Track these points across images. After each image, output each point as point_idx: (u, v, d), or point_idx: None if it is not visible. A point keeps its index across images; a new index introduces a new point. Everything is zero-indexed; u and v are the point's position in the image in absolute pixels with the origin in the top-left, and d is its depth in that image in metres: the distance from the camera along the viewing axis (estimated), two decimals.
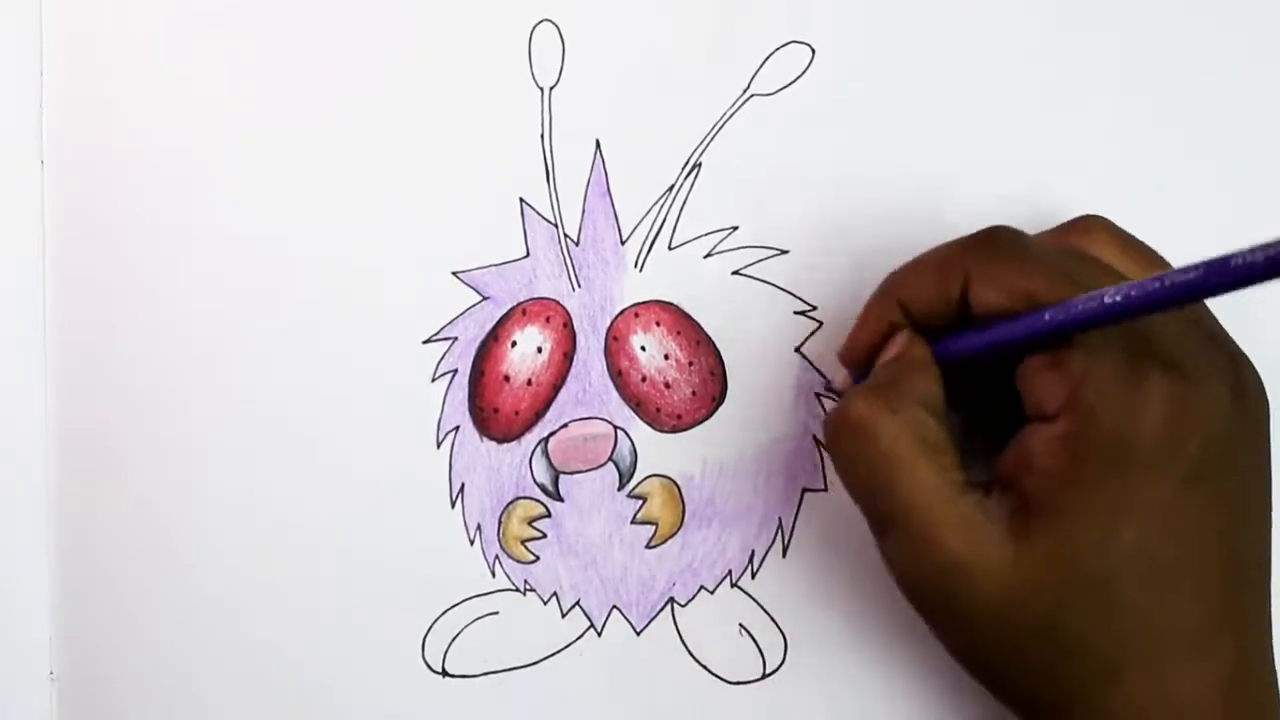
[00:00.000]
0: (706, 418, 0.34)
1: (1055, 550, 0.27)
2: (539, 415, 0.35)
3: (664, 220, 0.34)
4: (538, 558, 0.35)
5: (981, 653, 0.29)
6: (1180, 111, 0.35)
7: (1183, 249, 0.35)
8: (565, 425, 0.35)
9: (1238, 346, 0.29)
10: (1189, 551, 0.27)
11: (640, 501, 0.35)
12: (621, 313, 0.34)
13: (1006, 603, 0.27)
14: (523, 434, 0.35)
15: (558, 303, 0.34)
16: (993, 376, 0.29)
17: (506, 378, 0.34)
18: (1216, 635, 0.27)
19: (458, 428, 0.34)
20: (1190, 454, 0.27)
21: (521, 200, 0.34)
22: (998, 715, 0.30)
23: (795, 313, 0.34)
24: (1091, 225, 0.30)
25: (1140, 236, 0.33)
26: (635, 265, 0.34)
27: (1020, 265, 0.28)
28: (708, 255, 0.34)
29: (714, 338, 0.35)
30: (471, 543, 0.35)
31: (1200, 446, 0.27)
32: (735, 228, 0.34)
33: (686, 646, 0.35)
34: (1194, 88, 0.35)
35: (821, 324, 0.34)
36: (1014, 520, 0.27)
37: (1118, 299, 0.26)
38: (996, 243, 0.29)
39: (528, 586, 0.35)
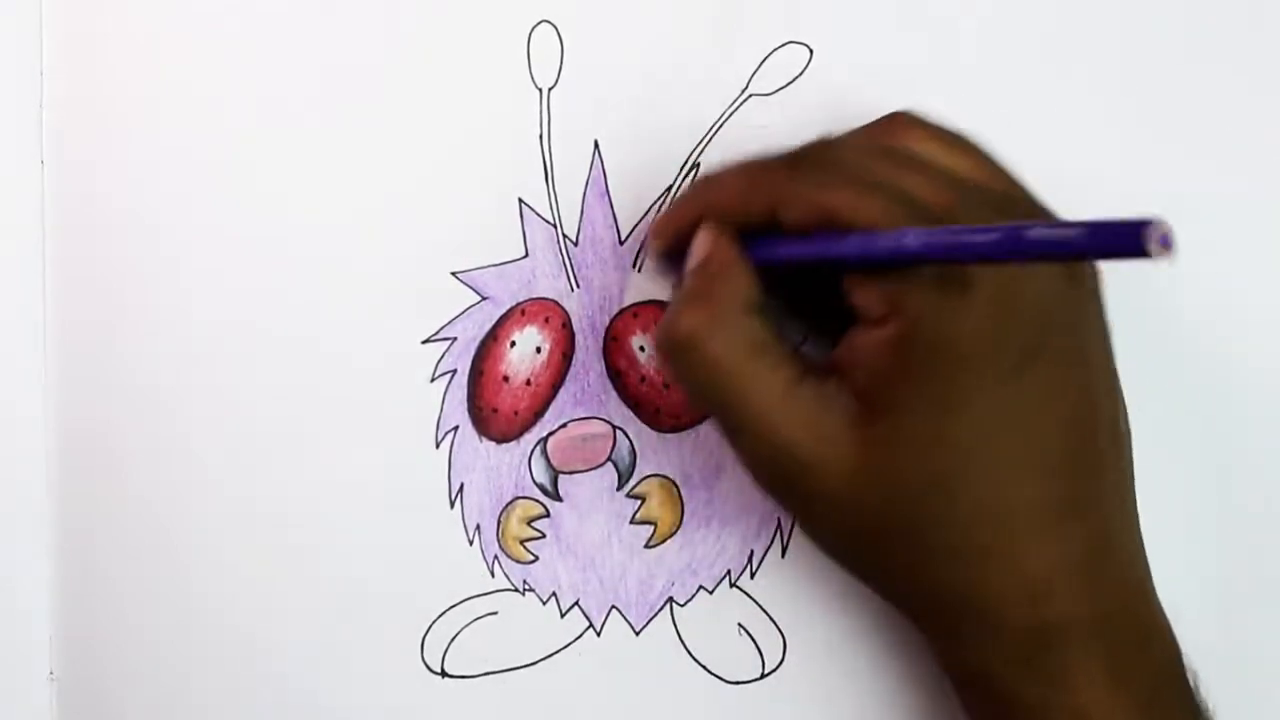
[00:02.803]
0: (705, 418, 0.34)
1: (892, 443, 0.27)
2: (538, 415, 0.35)
3: None
4: (537, 558, 0.35)
5: (848, 550, 0.30)
6: (1181, 112, 0.35)
7: (1183, 249, 0.35)
8: (564, 425, 0.35)
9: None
10: (1026, 438, 0.27)
11: (639, 501, 0.35)
12: (620, 313, 0.34)
13: (855, 495, 0.28)
14: (522, 434, 0.35)
15: (557, 303, 0.34)
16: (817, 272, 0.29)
17: (505, 378, 0.34)
18: (1067, 517, 0.28)
19: (457, 428, 0.34)
20: (1018, 343, 0.27)
21: (520, 201, 0.34)
22: None
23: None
24: (902, 122, 0.30)
25: None
26: (634, 265, 0.34)
27: (824, 182, 0.28)
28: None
29: None
30: (470, 543, 0.35)
31: (1030, 334, 0.27)
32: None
33: (685, 646, 0.35)
34: (1195, 88, 0.35)
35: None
36: (852, 422, 0.28)
37: (916, 245, 0.26)
38: (802, 160, 0.29)
39: (527, 586, 0.35)
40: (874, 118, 0.34)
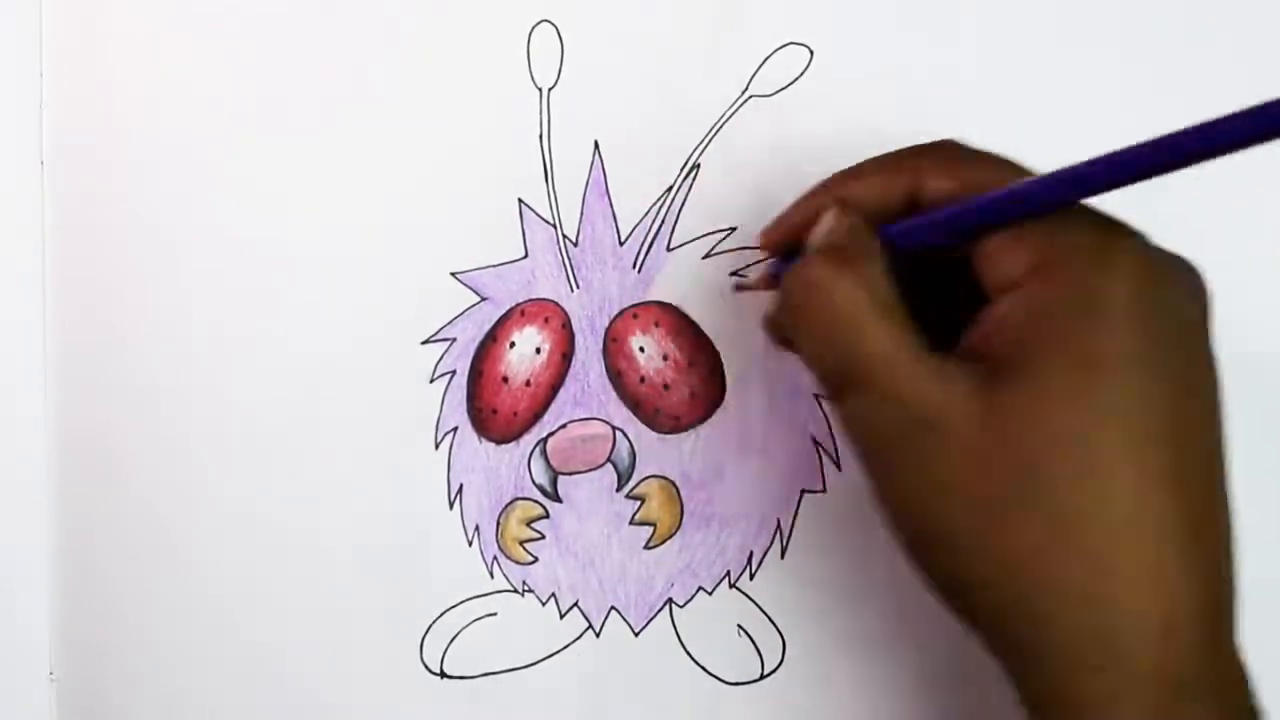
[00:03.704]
0: (705, 419, 0.34)
1: (1027, 407, 0.26)
2: (537, 416, 0.35)
3: (663, 221, 0.34)
4: (536, 559, 0.35)
5: (959, 531, 0.27)
6: (1182, 112, 0.35)
7: (1184, 249, 0.35)
8: (564, 426, 0.35)
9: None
10: (1166, 421, 0.25)
11: (639, 502, 0.35)
12: (620, 314, 0.34)
13: (979, 461, 0.26)
14: (521, 435, 0.35)
15: (556, 304, 0.34)
16: (934, 272, 0.29)
17: (505, 378, 0.34)
18: (1194, 540, 0.25)
19: (456, 428, 0.34)
20: (1170, 326, 0.26)
21: (520, 201, 0.34)
22: (996, 714, 0.30)
23: None
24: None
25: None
26: (634, 266, 0.34)
27: (972, 161, 0.28)
28: (706, 256, 0.34)
29: (713, 339, 0.35)
30: (470, 544, 0.35)
31: (1176, 324, 0.26)
32: (734, 228, 0.34)
33: (685, 647, 0.35)
34: (1195, 88, 0.35)
35: None
36: (982, 384, 0.26)
37: (1080, 172, 0.26)
38: (944, 146, 0.29)
39: (526, 587, 0.35)
40: (873, 119, 0.34)
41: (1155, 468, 0.25)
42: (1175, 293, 0.26)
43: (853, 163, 0.34)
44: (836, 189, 0.29)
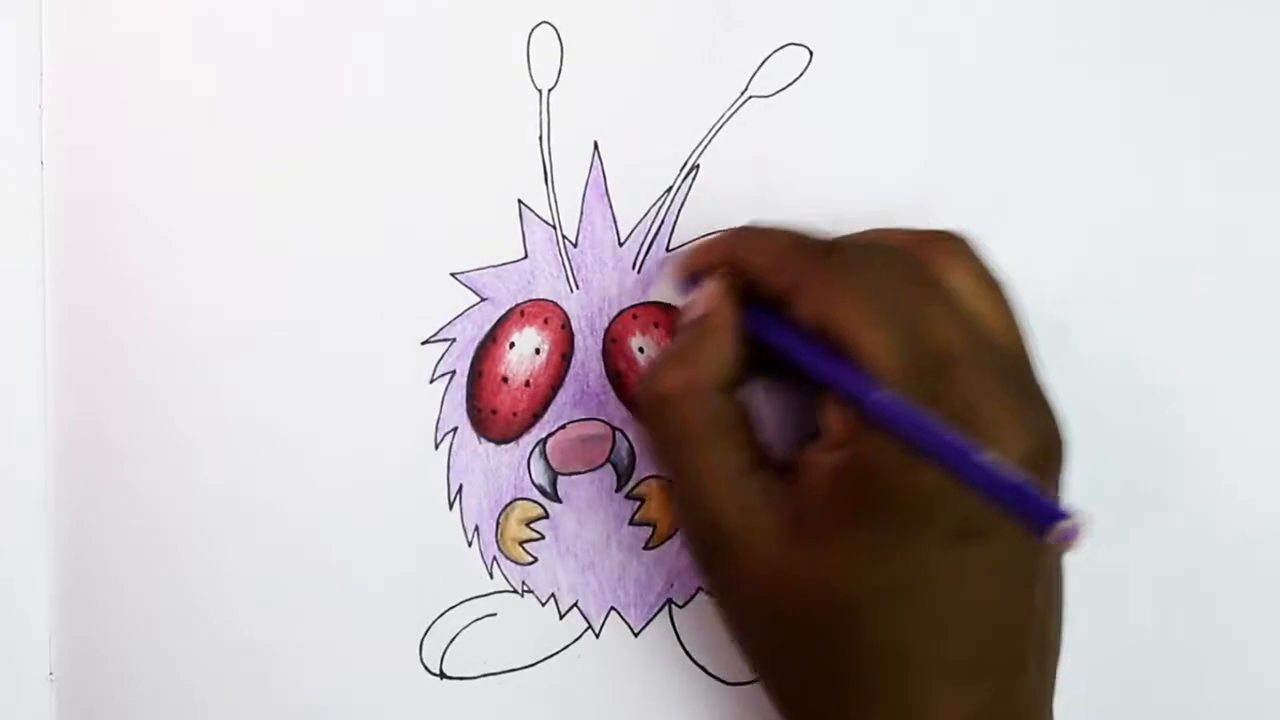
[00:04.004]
0: None
1: (813, 567, 0.28)
2: (537, 417, 0.35)
3: (662, 222, 0.34)
4: (536, 559, 0.35)
5: (755, 645, 0.30)
6: (1181, 112, 0.35)
7: (1183, 249, 0.35)
8: (563, 427, 0.35)
9: (1046, 403, 0.29)
10: (948, 610, 0.27)
11: (638, 503, 0.35)
12: (620, 314, 0.34)
13: (774, 596, 0.28)
14: (521, 435, 0.35)
15: (556, 304, 0.34)
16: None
17: (505, 379, 0.34)
18: (964, 686, 0.27)
19: (456, 429, 0.34)
20: (960, 513, 0.27)
21: (520, 202, 0.34)
22: None
23: None
24: (954, 249, 0.30)
25: (1141, 236, 0.34)
26: (634, 267, 0.34)
27: (845, 292, 0.28)
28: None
29: None
30: (469, 544, 0.35)
31: (984, 513, 0.26)
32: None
33: (684, 647, 0.35)
34: (1195, 89, 0.35)
35: None
36: (791, 514, 0.28)
37: (880, 409, 0.26)
38: (836, 256, 0.29)
39: (526, 588, 0.35)
40: (873, 119, 0.34)
41: (929, 661, 0.27)
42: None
43: (851, 163, 0.34)
44: (738, 251, 0.31)
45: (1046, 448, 0.28)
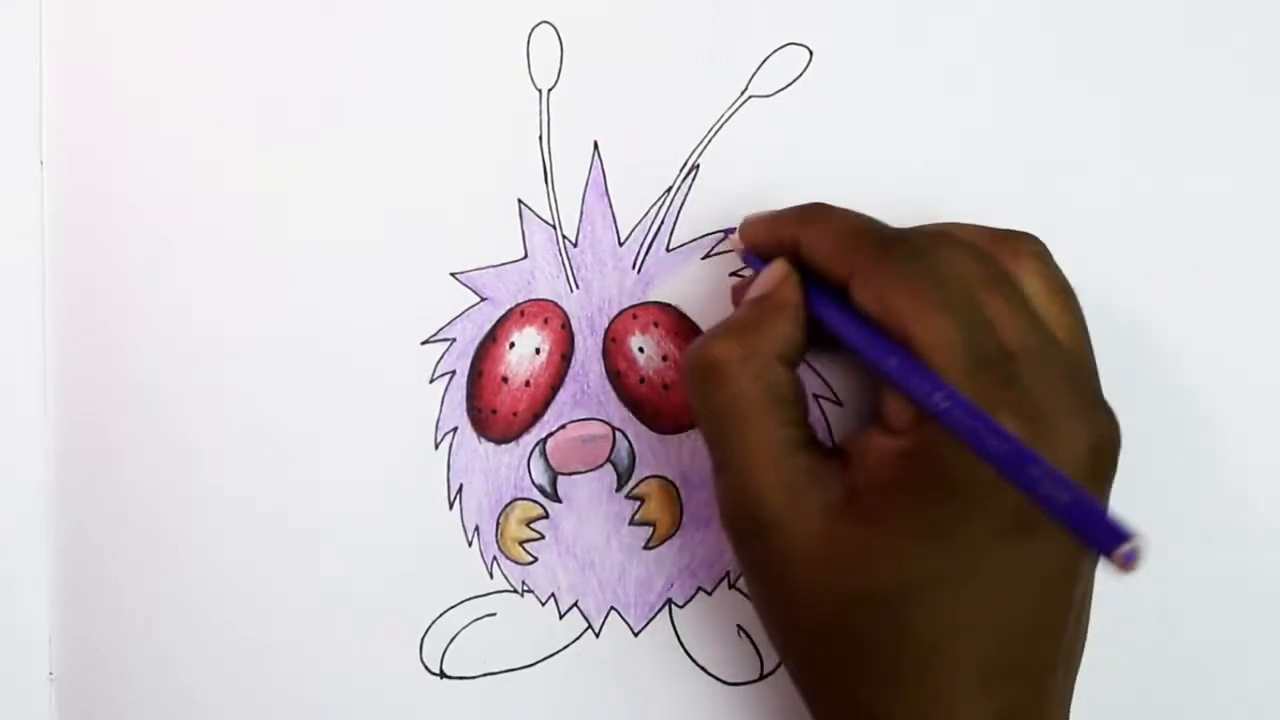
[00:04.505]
0: None
1: (861, 549, 0.27)
2: (537, 416, 0.35)
3: (662, 222, 0.34)
4: (536, 559, 0.35)
5: (786, 628, 0.30)
6: (1181, 112, 0.35)
7: (1182, 250, 0.35)
8: (563, 426, 0.35)
9: (1102, 400, 0.29)
10: (992, 600, 0.27)
11: (638, 503, 0.35)
12: (620, 314, 0.34)
13: (812, 576, 0.28)
14: (521, 435, 0.35)
15: (556, 304, 0.34)
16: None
17: (505, 379, 0.34)
18: (995, 684, 0.27)
19: (456, 429, 0.34)
20: (1016, 507, 0.26)
21: (520, 202, 0.34)
22: None
23: None
24: (1024, 250, 0.29)
25: (1141, 237, 0.34)
26: (633, 267, 0.34)
27: (908, 283, 0.28)
28: (706, 256, 0.34)
29: None
30: (469, 544, 0.35)
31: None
32: (733, 229, 0.34)
33: (684, 647, 0.35)
34: (1194, 89, 0.34)
35: None
36: (832, 505, 0.28)
37: (938, 406, 0.26)
38: (900, 246, 0.28)
39: (525, 588, 0.35)
40: (873, 119, 0.34)
41: (964, 652, 0.27)
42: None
43: (851, 163, 0.34)
44: (802, 234, 0.30)
45: (1106, 449, 0.28)
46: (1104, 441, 0.28)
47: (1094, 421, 0.27)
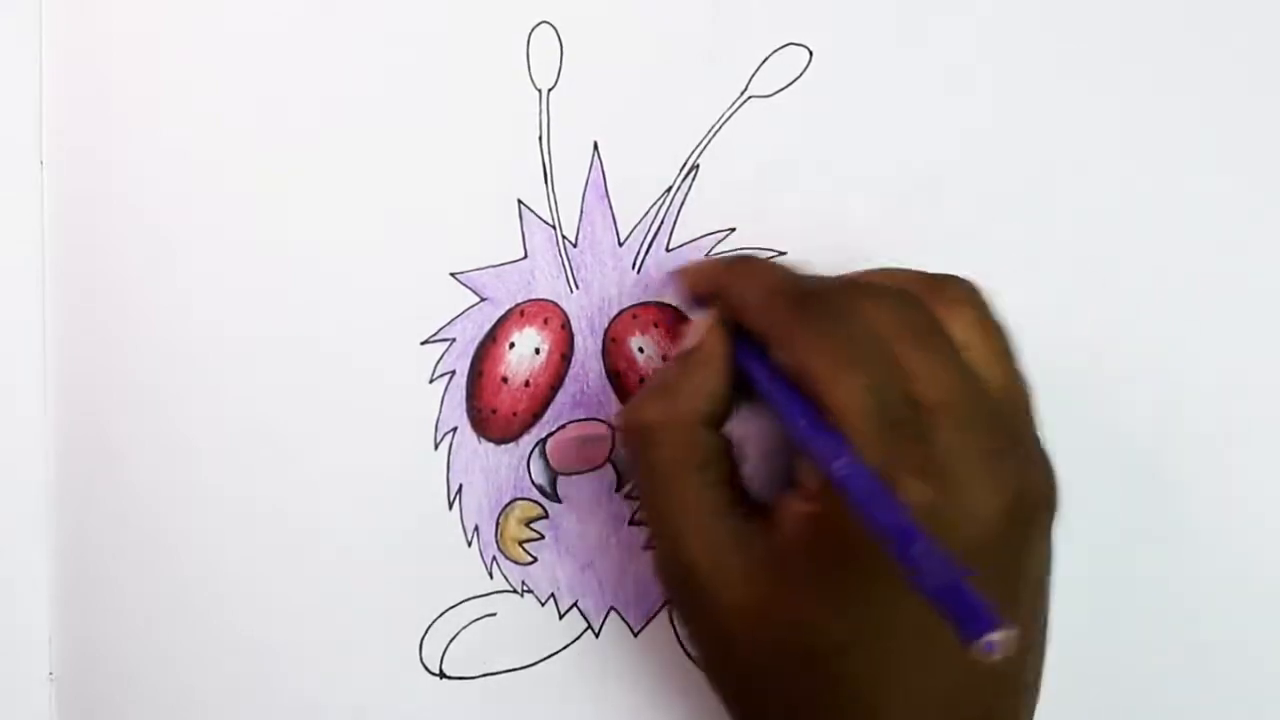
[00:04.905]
0: None
1: (785, 609, 0.27)
2: (537, 417, 0.35)
3: (662, 222, 0.34)
4: (535, 559, 0.35)
5: (722, 679, 0.30)
6: (1181, 112, 0.35)
7: (1180, 251, 0.35)
8: (563, 427, 0.35)
9: (1037, 456, 0.28)
10: (917, 659, 0.27)
11: (638, 502, 0.35)
12: (620, 314, 0.34)
13: (744, 629, 0.28)
14: (521, 435, 0.35)
15: (556, 304, 0.34)
16: None
17: (504, 379, 0.34)
18: None
19: (455, 429, 0.34)
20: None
21: (519, 202, 0.34)
22: None
23: None
24: (955, 295, 0.29)
25: (1140, 237, 0.34)
26: (633, 267, 0.34)
27: (822, 339, 0.27)
28: (706, 256, 0.34)
29: None
30: (469, 544, 0.35)
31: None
32: (733, 229, 0.34)
33: (684, 647, 0.35)
34: (1194, 89, 0.35)
35: None
36: (763, 557, 0.28)
37: (835, 473, 0.26)
38: (817, 301, 0.28)
39: (525, 588, 0.35)
40: (873, 119, 0.34)
41: (900, 707, 0.27)
42: (972, 540, 0.26)
43: (850, 163, 0.34)
44: (735, 284, 0.30)
45: (1028, 503, 0.27)
46: (1027, 495, 0.27)
47: (1016, 476, 0.27)
